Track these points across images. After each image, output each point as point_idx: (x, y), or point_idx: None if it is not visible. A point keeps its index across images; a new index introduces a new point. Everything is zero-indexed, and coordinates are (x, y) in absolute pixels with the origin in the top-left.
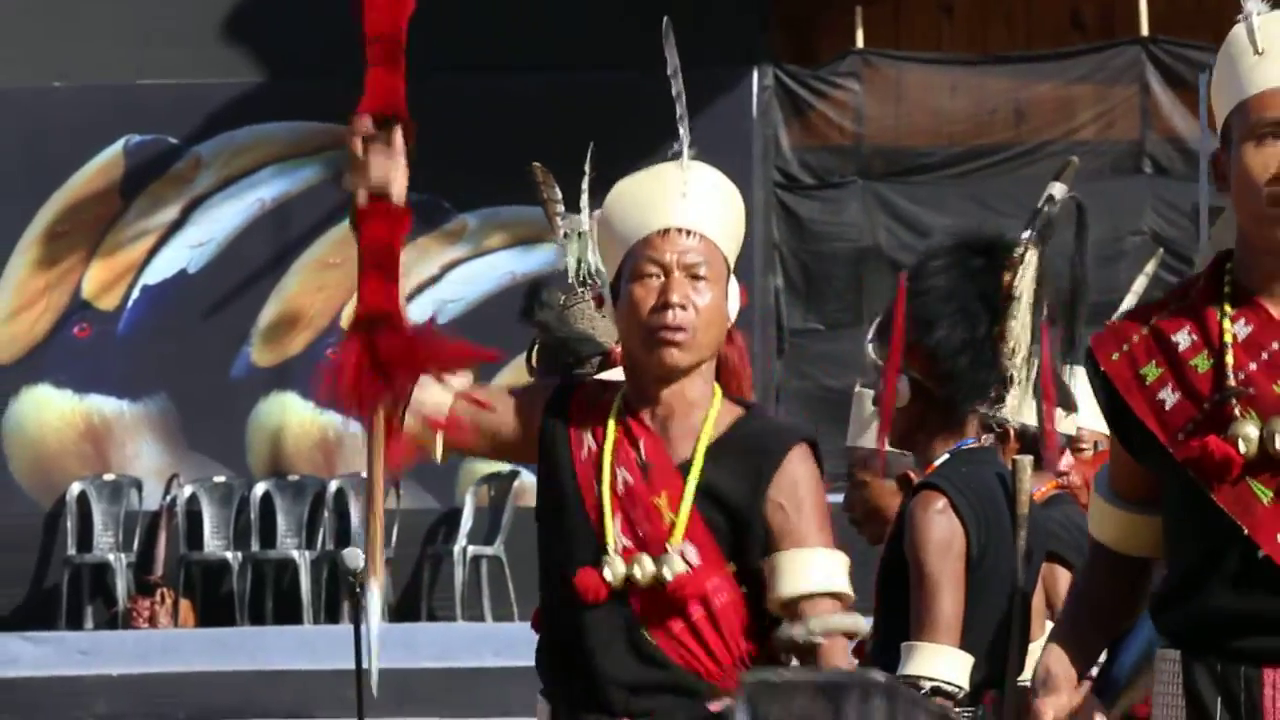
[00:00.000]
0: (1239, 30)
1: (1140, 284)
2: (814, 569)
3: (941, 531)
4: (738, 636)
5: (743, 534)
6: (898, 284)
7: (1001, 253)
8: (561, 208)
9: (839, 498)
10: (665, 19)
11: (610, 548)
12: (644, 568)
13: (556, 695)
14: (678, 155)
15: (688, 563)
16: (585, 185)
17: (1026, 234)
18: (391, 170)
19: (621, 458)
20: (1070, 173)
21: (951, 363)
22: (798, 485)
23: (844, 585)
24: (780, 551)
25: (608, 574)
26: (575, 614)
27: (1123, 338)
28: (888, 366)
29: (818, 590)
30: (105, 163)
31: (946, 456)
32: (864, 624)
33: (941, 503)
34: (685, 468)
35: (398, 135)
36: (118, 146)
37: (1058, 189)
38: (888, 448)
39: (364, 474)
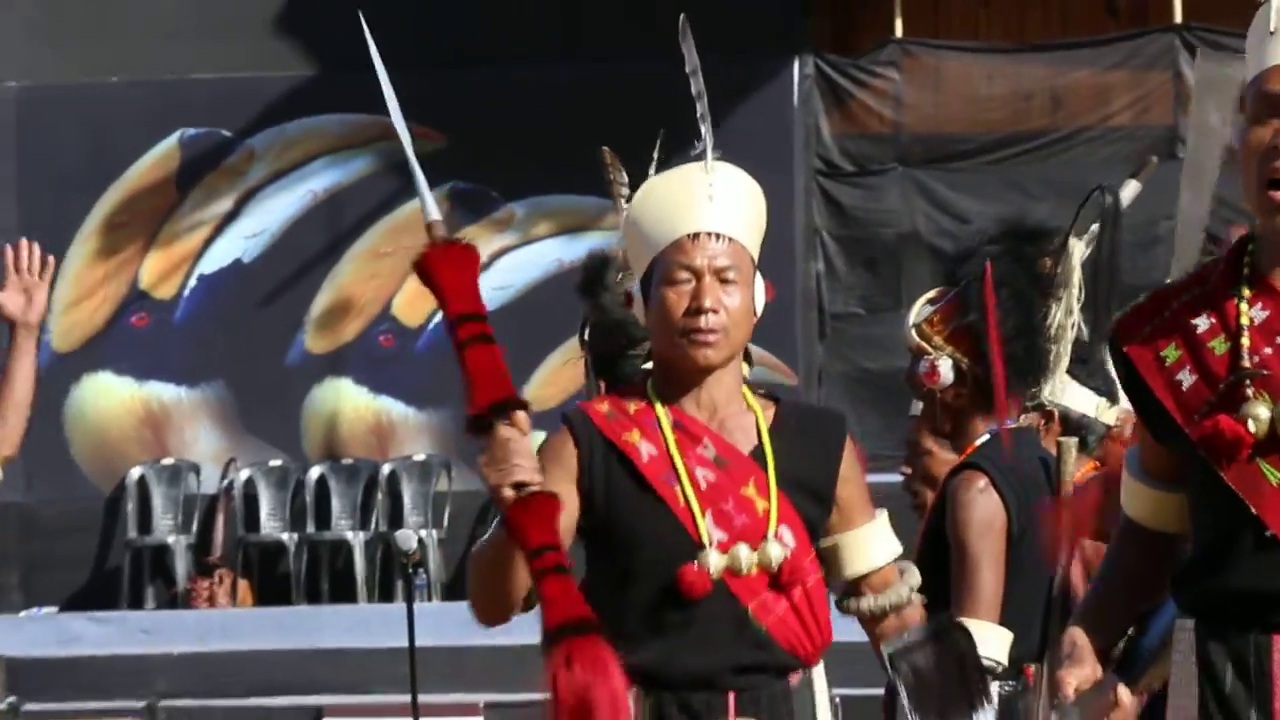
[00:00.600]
0: (1264, 9)
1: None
2: (882, 541)
3: (983, 510)
4: (825, 617)
5: (823, 513)
6: (984, 271)
7: (1042, 237)
8: (627, 191)
9: (876, 478)
10: (682, 17)
11: (706, 542)
12: (746, 557)
13: (654, 680)
14: (701, 155)
15: (786, 546)
16: (652, 172)
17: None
18: (533, 464)
19: (691, 456)
20: (1148, 173)
21: (1007, 347)
22: (856, 462)
23: (900, 547)
24: (851, 529)
25: (711, 564)
26: (677, 608)
27: (1145, 320)
28: (991, 346)
29: (889, 560)
30: (161, 155)
31: (987, 437)
32: (919, 578)
33: (983, 482)
34: (759, 456)
35: (524, 422)
36: (173, 139)
37: (1131, 188)
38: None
39: (417, 456)
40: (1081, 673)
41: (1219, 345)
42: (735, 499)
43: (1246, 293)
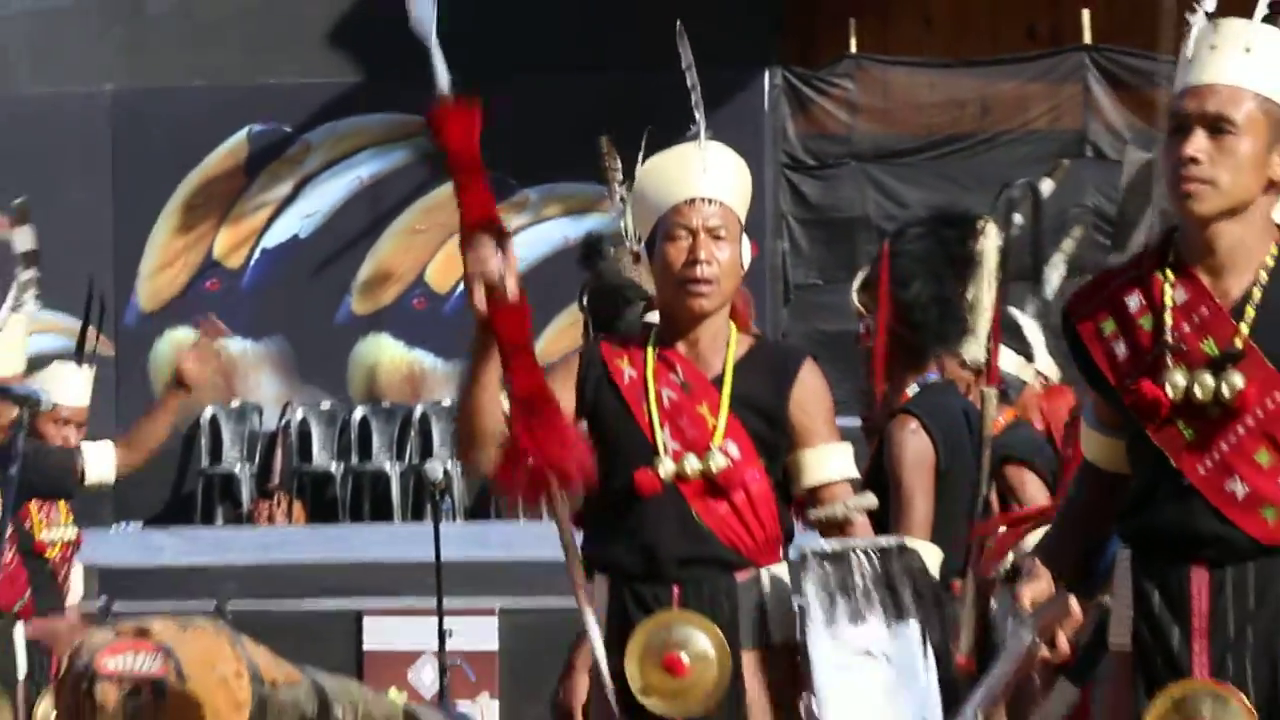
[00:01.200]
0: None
1: (1067, 245)
2: (835, 460)
3: (915, 449)
4: (770, 519)
5: (771, 433)
6: (881, 250)
7: (964, 224)
8: (620, 177)
9: (843, 421)
10: (679, 23)
11: (661, 450)
12: (692, 464)
13: (615, 570)
14: (696, 137)
15: (730, 458)
16: (640, 160)
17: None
18: (504, 269)
19: (663, 380)
20: (1061, 173)
21: (922, 313)
22: (813, 391)
23: (855, 473)
24: (807, 448)
25: (661, 471)
26: (634, 505)
27: (1090, 298)
28: (878, 314)
29: (841, 478)
30: (232, 147)
31: (916, 388)
32: (875, 502)
33: (914, 424)
34: (718, 381)
35: (507, 241)
36: (242, 134)
37: (1047, 185)
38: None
39: (445, 400)
40: (1038, 587)
41: (1146, 322)
42: (690, 415)
43: (1171, 277)
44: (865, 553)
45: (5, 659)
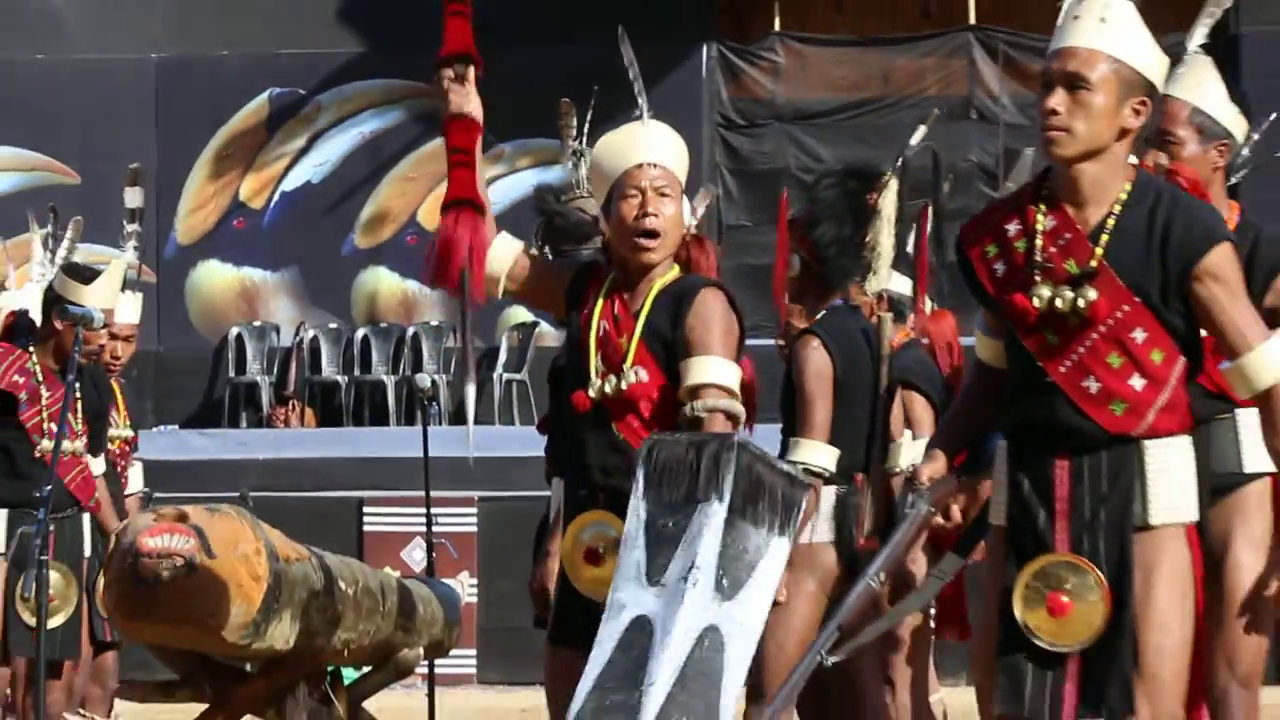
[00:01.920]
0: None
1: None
2: (710, 369)
3: (816, 362)
4: (672, 429)
5: (669, 355)
6: (780, 199)
7: (869, 178)
8: (574, 134)
9: (756, 341)
10: (620, 28)
11: (592, 374)
12: (610, 384)
13: (564, 474)
14: (639, 117)
15: (639, 378)
16: (588, 117)
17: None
18: (469, 95)
19: (604, 314)
20: (932, 120)
21: (825, 251)
22: (702, 314)
23: (730, 382)
24: (690, 357)
25: (590, 391)
26: (572, 421)
27: (978, 226)
28: (778, 251)
29: (709, 382)
30: (255, 107)
31: (824, 312)
32: (739, 409)
33: (816, 342)
34: (638, 314)
35: (470, 71)
36: (264, 96)
37: (921, 131)
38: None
39: (434, 322)
40: (935, 467)
41: (1021, 245)
42: (614, 344)
43: (1043, 209)
44: (692, 445)
45: (74, 542)
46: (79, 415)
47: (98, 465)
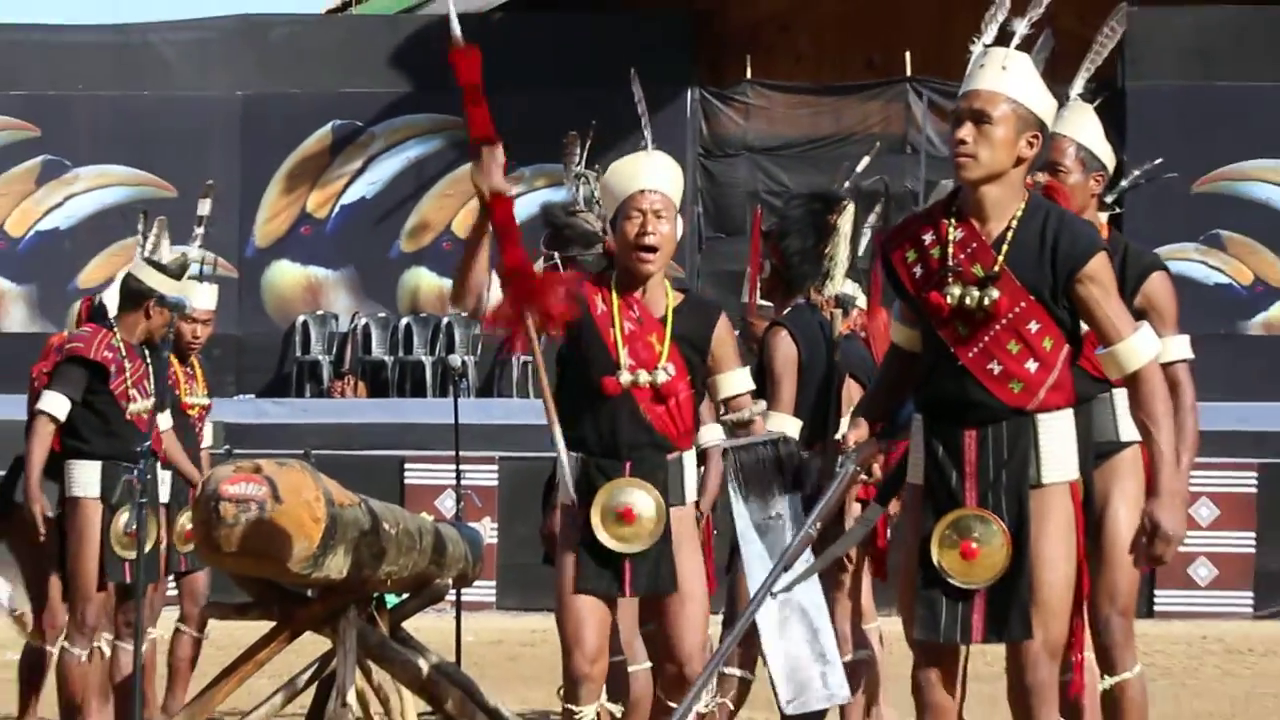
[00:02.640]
0: (975, 55)
1: (871, 219)
2: (744, 379)
3: (784, 350)
4: (689, 418)
5: (698, 359)
6: (754, 215)
7: (832, 202)
8: (577, 159)
9: None
10: (632, 70)
11: (623, 365)
12: (643, 377)
13: (583, 448)
14: (645, 147)
15: (669, 374)
16: (588, 148)
17: (845, 188)
18: (501, 175)
19: (625, 315)
20: (874, 152)
21: (791, 259)
22: (726, 333)
23: (753, 386)
24: (721, 372)
25: (623, 379)
26: (599, 403)
27: (899, 235)
28: (751, 257)
29: (747, 390)
30: (321, 135)
31: (789, 309)
32: (763, 406)
33: (785, 334)
34: (663, 321)
35: (498, 150)
36: (328, 127)
37: (865, 161)
38: (758, 301)
39: (462, 314)
40: (859, 433)
41: (936, 252)
42: (643, 342)
43: (954, 222)
44: (764, 445)
45: (153, 487)
46: (150, 382)
47: (164, 421)
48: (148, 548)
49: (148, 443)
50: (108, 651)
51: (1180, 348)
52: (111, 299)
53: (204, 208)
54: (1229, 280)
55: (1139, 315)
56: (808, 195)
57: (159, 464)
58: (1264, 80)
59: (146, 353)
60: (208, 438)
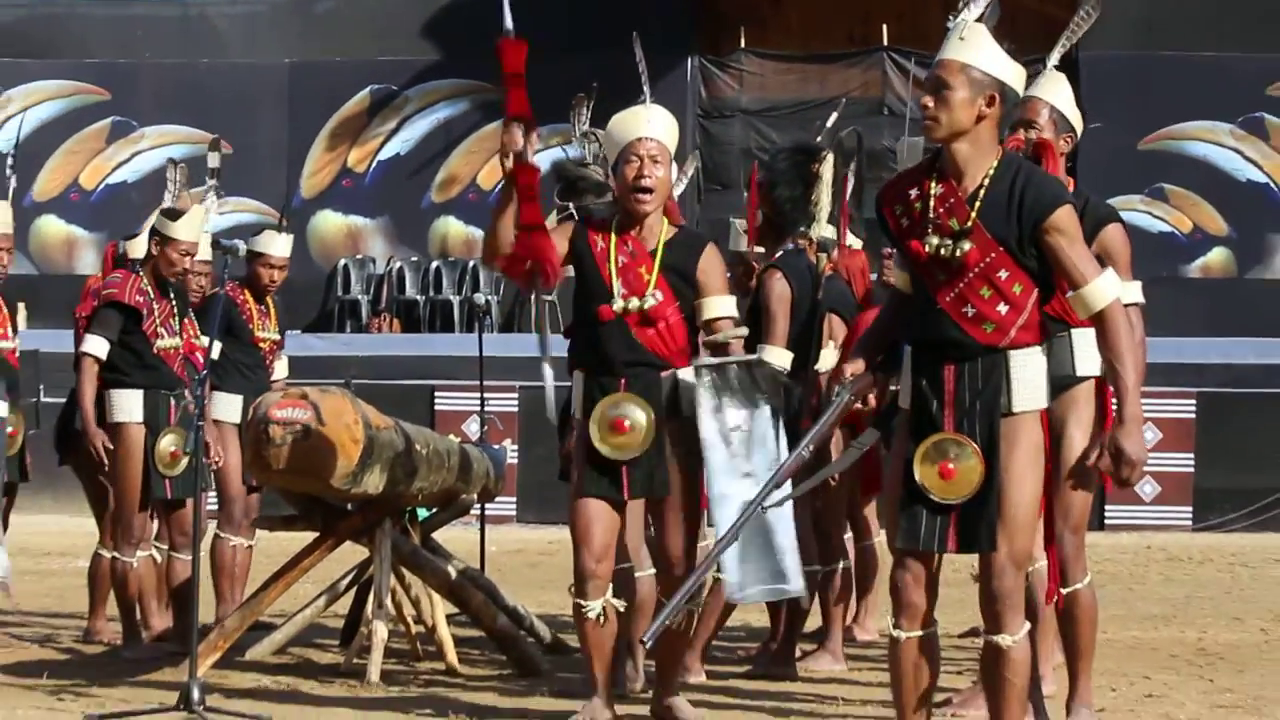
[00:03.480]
0: (953, 27)
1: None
2: (725, 304)
3: (779, 289)
4: (680, 339)
5: (685, 287)
6: (751, 170)
7: (814, 153)
8: (586, 119)
9: None
10: (634, 33)
11: (616, 294)
12: (634, 303)
13: (586, 368)
14: (643, 101)
15: (656, 300)
16: (589, 105)
17: (823, 142)
18: (528, 148)
19: (620, 250)
20: (841, 108)
21: (783, 207)
22: (711, 262)
23: (735, 313)
24: (708, 296)
25: (615, 306)
26: (597, 328)
27: (890, 190)
28: (749, 206)
29: (727, 314)
30: (359, 98)
31: (780, 253)
32: (745, 331)
33: (779, 275)
34: (654, 254)
35: (532, 130)
36: (366, 91)
37: (834, 117)
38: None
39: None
40: (856, 366)
41: (919, 205)
42: (634, 273)
43: (935, 180)
44: (737, 366)
45: (187, 413)
46: (177, 319)
47: (215, 350)
48: (184, 465)
49: (206, 371)
50: (159, 559)
51: (1133, 292)
52: (139, 246)
53: (213, 160)
54: (1171, 229)
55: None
56: (791, 148)
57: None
58: (1203, 50)
59: (172, 294)
60: (281, 370)
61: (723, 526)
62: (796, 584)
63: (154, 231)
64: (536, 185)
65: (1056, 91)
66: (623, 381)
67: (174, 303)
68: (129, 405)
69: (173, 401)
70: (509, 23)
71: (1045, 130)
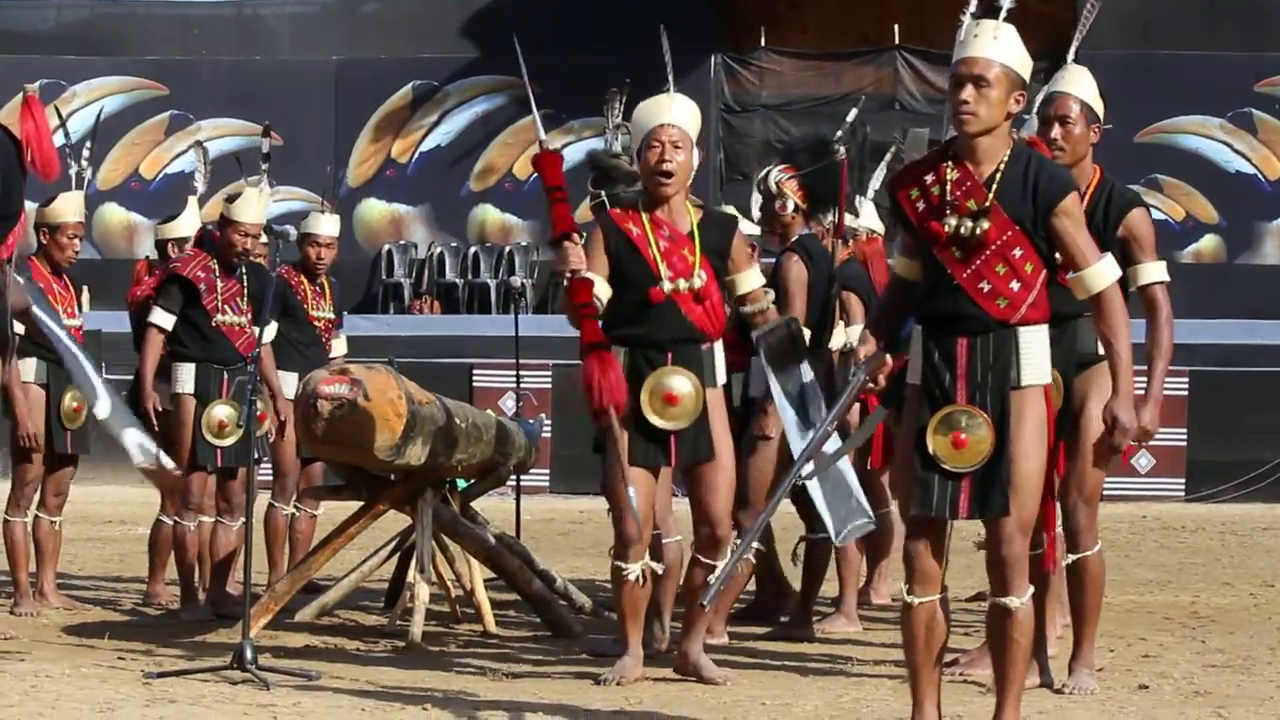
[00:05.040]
0: (965, 26)
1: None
2: (757, 276)
3: (796, 270)
4: (720, 316)
5: (723, 265)
6: (840, 163)
7: (826, 145)
8: (619, 113)
9: None
10: (662, 27)
11: (664, 276)
12: (682, 284)
13: (630, 343)
14: (667, 90)
15: (702, 280)
16: (622, 99)
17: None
18: (579, 260)
19: (657, 233)
20: (860, 105)
21: (813, 196)
22: (742, 241)
23: (764, 282)
24: (741, 271)
25: (665, 287)
26: (646, 309)
27: (905, 176)
28: (840, 188)
29: (760, 285)
30: (403, 93)
31: (797, 238)
32: (773, 296)
33: (796, 258)
34: (691, 235)
35: (579, 242)
36: (409, 86)
37: (853, 113)
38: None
39: (523, 242)
40: (868, 348)
41: (936, 189)
42: (678, 255)
43: (951, 164)
44: (784, 327)
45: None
46: (245, 298)
47: (268, 332)
48: (235, 437)
49: (258, 350)
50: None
51: (1158, 271)
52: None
53: (265, 145)
54: (1165, 217)
55: (1122, 244)
56: (809, 142)
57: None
58: (1196, 49)
59: (244, 274)
60: (337, 347)
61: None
62: (872, 517)
63: (220, 215)
64: (592, 301)
65: (1084, 85)
66: (669, 355)
67: (245, 282)
68: (183, 377)
69: (226, 376)
70: (542, 134)
71: (1077, 124)
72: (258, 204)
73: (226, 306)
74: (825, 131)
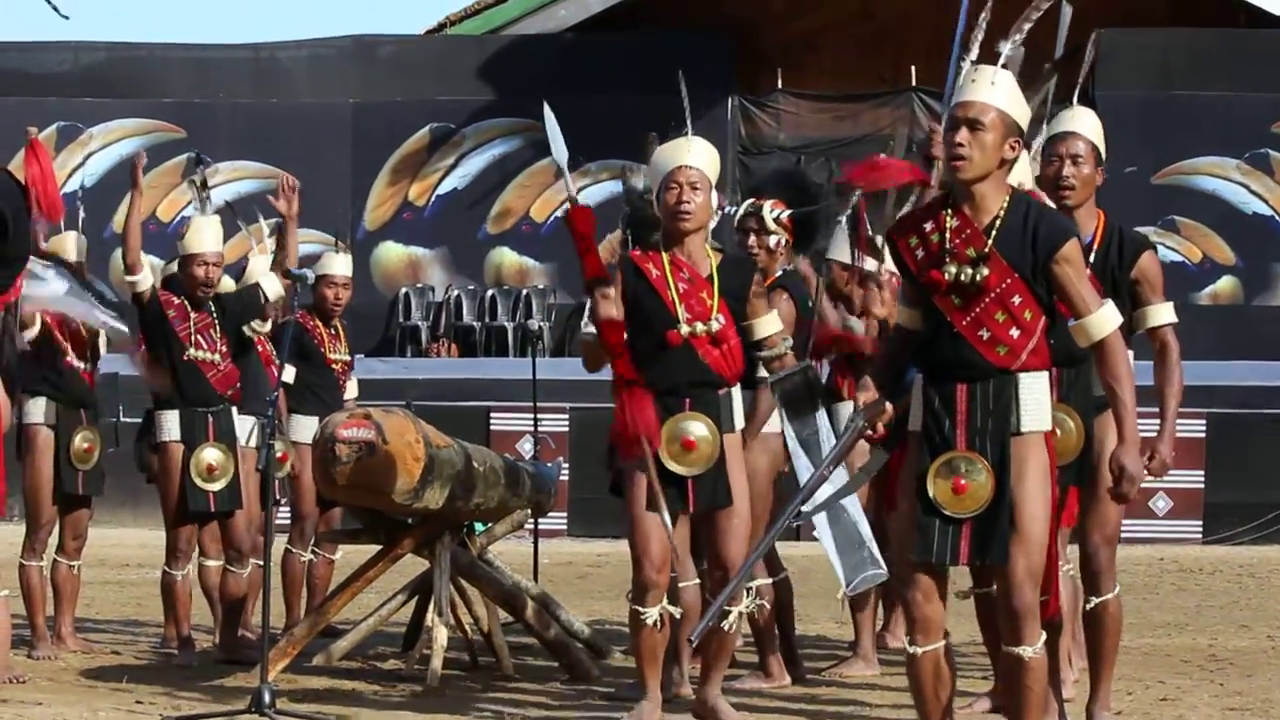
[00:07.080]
0: (964, 72)
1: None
2: (775, 322)
3: (787, 310)
4: (739, 360)
5: (740, 309)
6: (859, 202)
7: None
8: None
9: None
10: (680, 72)
11: (681, 319)
12: (700, 327)
13: (653, 388)
14: (685, 133)
15: (720, 323)
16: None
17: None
18: (613, 308)
19: (676, 276)
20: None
21: (797, 230)
22: (759, 284)
23: (781, 328)
24: (756, 318)
25: (683, 330)
26: (663, 352)
27: (904, 225)
28: (859, 225)
29: (778, 330)
30: (419, 135)
31: (781, 274)
32: (790, 341)
33: (785, 295)
34: (710, 279)
35: (611, 290)
36: (426, 129)
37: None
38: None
39: (540, 285)
40: (867, 395)
41: (935, 237)
42: (696, 298)
43: (950, 213)
44: (799, 374)
45: (227, 427)
46: (218, 330)
47: (287, 375)
48: (226, 480)
49: (277, 392)
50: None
51: (1168, 313)
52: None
53: (198, 176)
54: (1182, 258)
55: (1133, 287)
56: (782, 176)
57: (232, 406)
58: (1213, 90)
59: (213, 309)
60: (353, 390)
61: (820, 528)
62: (885, 566)
63: (177, 256)
64: (624, 341)
65: (1092, 126)
66: (687, 400)
67: (215, 316)
68: (168, 425)
69: (211, 419)
70: (573, 190)
71: (1086, 164)
72: (210, 232)
73: (199, 338)
74: (791, 164)
